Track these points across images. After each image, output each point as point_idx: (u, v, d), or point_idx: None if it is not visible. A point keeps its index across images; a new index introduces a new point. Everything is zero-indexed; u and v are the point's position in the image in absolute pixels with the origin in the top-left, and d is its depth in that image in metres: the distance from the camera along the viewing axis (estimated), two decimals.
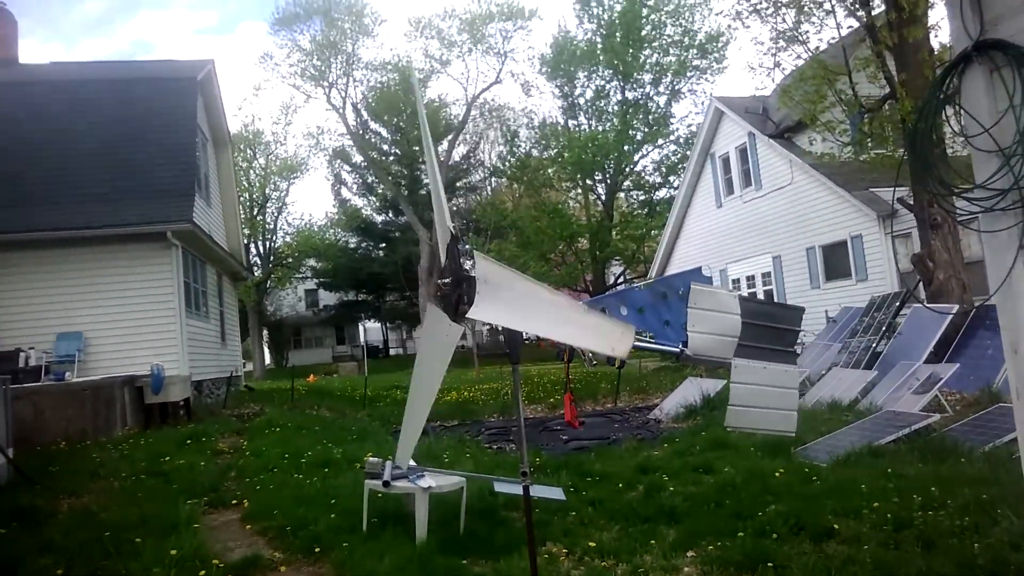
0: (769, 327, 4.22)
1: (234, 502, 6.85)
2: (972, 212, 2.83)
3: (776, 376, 4.13)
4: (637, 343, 4.57)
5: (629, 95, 34.89)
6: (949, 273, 12.57)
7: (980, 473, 5.90)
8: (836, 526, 4.90)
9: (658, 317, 4.47)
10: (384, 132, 43.52)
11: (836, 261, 18.48)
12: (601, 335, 3.57)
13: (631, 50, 33.22)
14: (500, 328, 4.31)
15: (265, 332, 50.21)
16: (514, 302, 3.30)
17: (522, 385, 17.77)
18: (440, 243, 3.27)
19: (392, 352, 56.47)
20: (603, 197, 36.15)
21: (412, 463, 5.65)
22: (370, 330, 55.28)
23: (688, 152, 28.01)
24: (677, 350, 4.28)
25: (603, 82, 35.06)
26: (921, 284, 13.37)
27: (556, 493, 5.88)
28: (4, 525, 5.87)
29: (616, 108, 35.05)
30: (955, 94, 2.81)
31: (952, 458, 6.61)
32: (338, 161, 44.71)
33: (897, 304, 13.38)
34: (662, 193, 36.09)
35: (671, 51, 34.18)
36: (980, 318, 11.75)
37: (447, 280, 3.53)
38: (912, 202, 13.33)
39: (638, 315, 4.53)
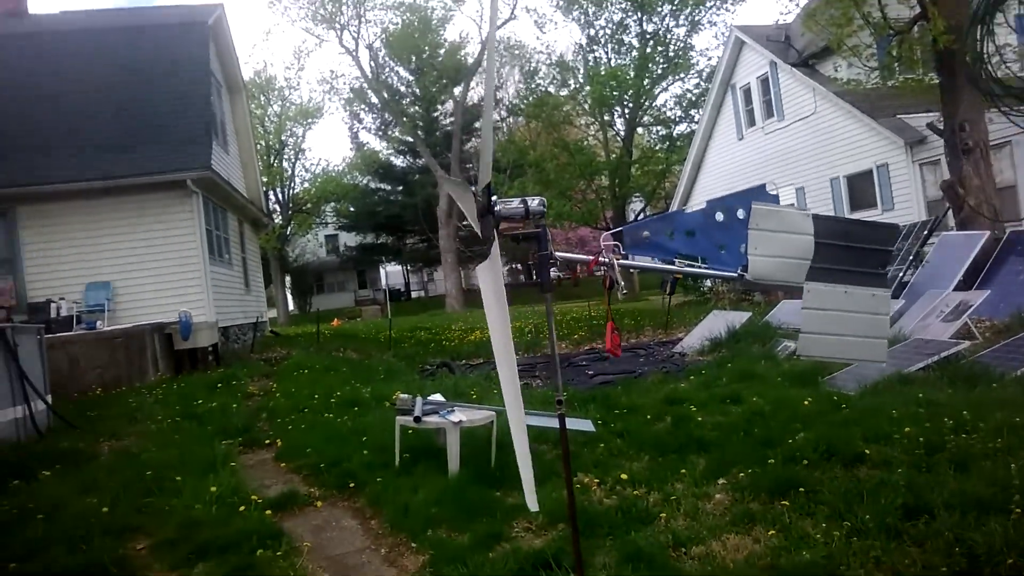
0: (853, 247, 3.91)
1: (267, 442, 6.98)
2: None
3: (861, 301, 3.81)
4: (689, 268, 4.39)
5: (648, 27, 33.99)
6: (980, 199, 12.26)
7: (1012, 397, 5.85)
8: (867, 451, 4.88)
9: (711, 241, 4.14)
10: (402, 72, 42.89)
11: (861, 191, 18.13)
12: None
13: None
14: (531, 262, 4.15)
15: (288, 278, 50.64)
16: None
17: None
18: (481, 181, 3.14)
19: (414, 295, 56.77)
20: (622, 133, 35.55)
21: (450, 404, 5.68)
22: (391, 273, 55.49)
23: (709, 86, 27.36)
24: (735, 275, 4.00)
25: (622, 14, 34.14)
26: (951, 211, 13.09)
27: (585, 425, 5.94)
28: (48, 467, 6.03)
29: (635, 41, 34.21)
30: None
31: (983, 383, 6.56)
32: (356, 102, 44.24)
33: (925, 233, 13.16)
34: (682, 128, 35.44)
35: None
36: (1012, 244, 11.53)
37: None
38: (942, 127, 12.96)
39: (688, 239, 4.20)
